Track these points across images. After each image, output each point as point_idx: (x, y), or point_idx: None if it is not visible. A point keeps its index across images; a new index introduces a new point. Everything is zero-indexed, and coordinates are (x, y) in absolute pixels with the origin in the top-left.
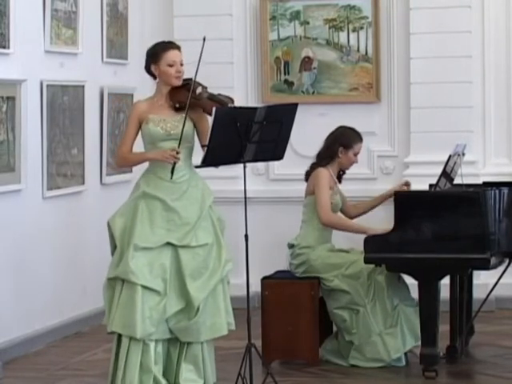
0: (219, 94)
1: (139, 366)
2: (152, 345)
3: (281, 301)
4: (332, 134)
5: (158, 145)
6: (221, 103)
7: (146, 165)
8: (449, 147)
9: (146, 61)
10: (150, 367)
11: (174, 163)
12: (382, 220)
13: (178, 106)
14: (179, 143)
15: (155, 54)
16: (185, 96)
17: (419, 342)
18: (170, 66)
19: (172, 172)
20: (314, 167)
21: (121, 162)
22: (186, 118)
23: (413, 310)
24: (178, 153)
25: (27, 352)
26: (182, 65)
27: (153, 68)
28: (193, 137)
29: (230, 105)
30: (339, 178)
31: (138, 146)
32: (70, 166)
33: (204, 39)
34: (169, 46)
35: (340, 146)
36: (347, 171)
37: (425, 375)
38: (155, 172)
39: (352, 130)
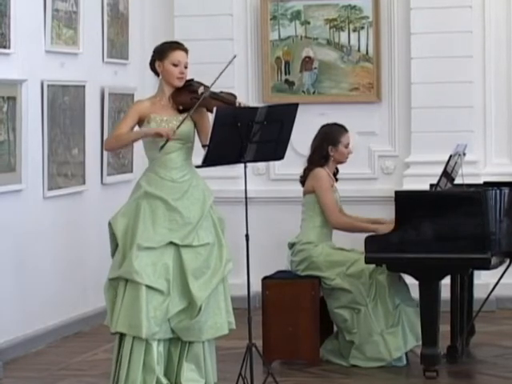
0: (221, 92)
1: (142, 365)
2: (155, 344)
3: (281, 301)
4: (316, 136)
5: (159, 144)
6: (224, 101)
7: (146, 164)
8: (449, 147)
9: (151, 57)
10: (153, 367)
11: (167, 140)
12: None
13: (181, 108)
14: (175, 130)
15: (162, 52)
16: (187, 97)
17: (420, 342)
18: (175, 65)
19: (162, 147)
20: (309, 169)
21: (112, 143)
22: (186, 117)
23: (413, 310)
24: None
25: (27, 352)
26: (186, 67)
27: (157, 65)
28: (193, 136)
29: (237, 102)
30: (334, 175)
31: (139, 146)
32: (71, 165)
33: (234, 56)
34: (176, 46)
35: (328, 145)
36: (348, 171)
37: (425, 375)
38: (156, 172)
39: (334, 124)
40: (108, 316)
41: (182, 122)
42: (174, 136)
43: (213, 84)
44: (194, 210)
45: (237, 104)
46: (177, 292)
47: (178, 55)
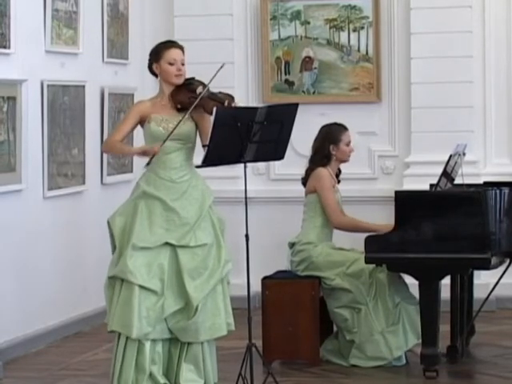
0: (220, 93)
1: (135, 365)
2: (148, 344)
3: (281, 301)
4: (317, 137)
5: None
6: (221, 102)
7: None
8: (449, 147)
9: (148, 60)
10: (145, 367)
11: (153, 156)
12: (382, 220)
13: (179, 106)
14: (164, 140)
15: (157, 53)
16: (185, 96)
17: (421, 340)
18: (171, 64)
19: (148, 163)
20: (311, 169)
21: (107, 148)
22: (184, 117)
23: (414, 308)
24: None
25: (27, 352)
26: (183, 64)
27: (154, 66)
28: (194, 137)
29: (232, 103)
30: (337, 177)
31: (139, 145)
32: (71, 165)
33: (222, 66)
34: (170, 44)
35: (329, 144)
36: (348, 171)
37: (425, 375)
38: (156, 172)
39: (334, 124)
40: (107, 314)
41: (177, 125)
42: (159, 152)
43: (206, 88)
44: (191, 211)
45: (225, 103)
46: (173, 292)
47: (172, 54)
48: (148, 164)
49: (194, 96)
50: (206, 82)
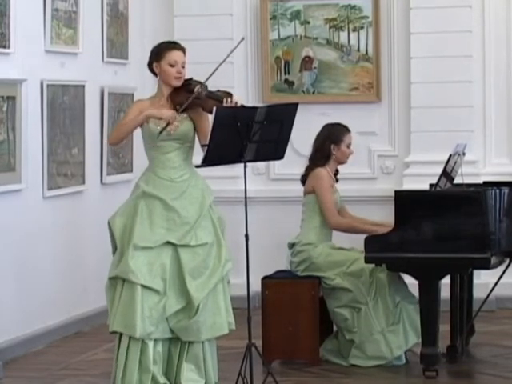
0: (218, 91)
1: (138, 365)
2: (151, 344)
3: (281, 300)
4: (319, 135)
5: (157, 144)
6: (220, 100)
7: (146, 164)
8: (449, 147)
9: (149, 58)
10: (149, 367)
11: (167, 125)
12: (382, 220)
13: (178, 107)
14: (181, 111)
15: (158, 52)
16: (184, 97)
17: (421, 339)
18: (171, 66)
19: (161, 131)
20: (310, 168)
21: (115, 134)
22: (179, 112)
23: (414, 308)
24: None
25: (27, 352)
26: (183, 67)
27: (154, 66)
28: (193, 136)
29: (228, 100)
30: (335, 176)
31: (139, 145)
32: (71, 165)
33: (242, 39)
34: (173, 46)
35: (330, 143)
36: (348, 171)
37: (425, 375)
38: (155, 171)
39: (337, 124)
40: (109, 315)
41: (185, 106)
42: (174, 120)
43: (213, 73)
44: (191, 210)
45: (224, 103)
46: (174, 292)
47: (174, 55)
48: (160, 133)
49: (192, 96)
50: (205, 83)
